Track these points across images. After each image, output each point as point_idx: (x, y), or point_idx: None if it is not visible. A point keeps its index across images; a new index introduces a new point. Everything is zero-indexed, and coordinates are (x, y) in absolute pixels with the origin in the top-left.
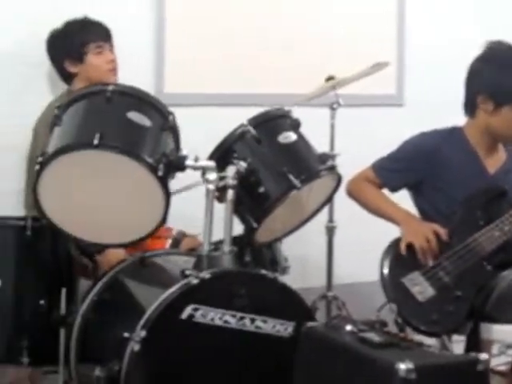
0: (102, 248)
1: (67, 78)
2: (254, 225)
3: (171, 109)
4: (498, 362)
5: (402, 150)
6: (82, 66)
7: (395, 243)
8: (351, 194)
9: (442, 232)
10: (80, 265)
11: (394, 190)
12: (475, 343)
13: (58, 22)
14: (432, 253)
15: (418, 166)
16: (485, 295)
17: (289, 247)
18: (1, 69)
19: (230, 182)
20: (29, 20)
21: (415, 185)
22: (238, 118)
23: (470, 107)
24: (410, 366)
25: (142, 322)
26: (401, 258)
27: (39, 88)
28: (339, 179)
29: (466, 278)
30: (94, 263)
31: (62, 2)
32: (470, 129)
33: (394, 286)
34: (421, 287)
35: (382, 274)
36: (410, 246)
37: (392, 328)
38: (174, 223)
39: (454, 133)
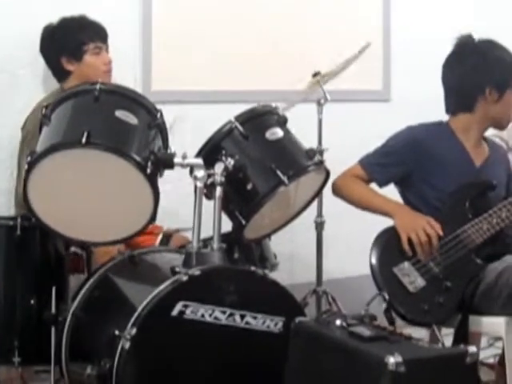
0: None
1: (61, 75)
2: (243, 221)
3: (159, 106)
4: (486, 355)
5: (389, 144)
6: (78, 64)
7: (384, 233)
8: (339, 191)
9: (437, 226)
10: (72, 259)
11: (382, 184)
12: (464, 336)
13: (46, 21)
14: (431, 247)
15: (406, 159)
16: (473, 287)
17: (277, 243)
18: None
19: (218, 178)
20: (17, 19)
21: (403, 178)
22: (225, 115)
23: (468, 102)
24: (399, 359)
25: (132, 319)
26: (390, 248)
27: (27, 87)
28: (327, 174)
29: (455, 270)
30: (88, 254)
31: (49, 1)
32: (457, 123)
33: (383, 276)
34: (411, 277)
35: (371, 264)
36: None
37: (382, 320)
38: (163, 221)
39: (440, 126)
